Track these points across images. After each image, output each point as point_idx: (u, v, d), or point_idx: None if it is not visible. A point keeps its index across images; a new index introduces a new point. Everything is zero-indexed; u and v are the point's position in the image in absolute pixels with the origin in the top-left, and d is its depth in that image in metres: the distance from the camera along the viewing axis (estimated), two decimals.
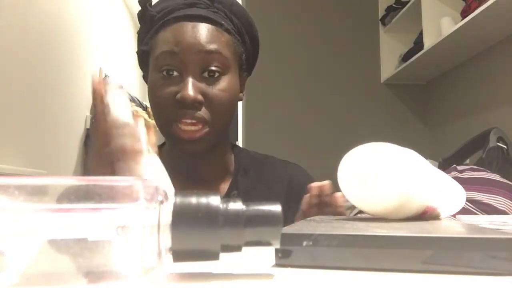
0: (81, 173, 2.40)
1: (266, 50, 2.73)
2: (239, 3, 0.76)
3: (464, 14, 1.92)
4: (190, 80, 0.66)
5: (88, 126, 2.51)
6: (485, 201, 0.84)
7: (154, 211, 0.22)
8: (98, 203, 0.21)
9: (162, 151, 0.79)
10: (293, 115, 2.65)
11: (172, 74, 0.67)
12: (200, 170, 0.76)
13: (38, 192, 0.22)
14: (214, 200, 0.23)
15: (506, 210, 0.84)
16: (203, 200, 0.23)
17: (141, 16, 0.73)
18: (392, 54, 2.67)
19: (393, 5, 2.63)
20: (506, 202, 0.85)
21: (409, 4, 2.37)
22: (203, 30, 0.68)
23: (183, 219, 0.23)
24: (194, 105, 0.65)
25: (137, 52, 0.77)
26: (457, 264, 0.26)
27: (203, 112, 0.66)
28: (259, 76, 2.72)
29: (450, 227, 0.38)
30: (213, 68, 0.67)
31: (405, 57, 2.50)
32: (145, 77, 0.76)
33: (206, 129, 0.67)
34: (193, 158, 0.74)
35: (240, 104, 2.80)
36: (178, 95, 0.65)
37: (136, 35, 0.77)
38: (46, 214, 0.21)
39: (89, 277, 0.21)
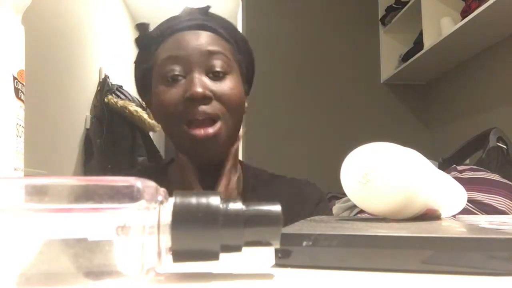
0: (82, 173, 2.40)
1: (266, 50, 2.73)
2: (229, 21, 0.77)
3: (464, 14, 1.92)
4: (197, 77, 0.66)
5: (88, 126, 2.51)
6: (485, 201, 0.84)
7: (154, 211, 0.22)
8: (98, 203, 0.21)
9: (170, 168, 0.78)
10: (293, 116, 2.65)
11: (178, 79, 0.67)
12: (208, 187, 0.72)
13: (38, 192, 0.22)
14: (214, 200, 0.23)
15: (506, 210, 0.84)
16: (203, 200, 0.23)
17: (140, 40, 0.74)
18: (392, 54, 2.67)
19: (393, 5, 2.63)
20: (506, 202, 0.85)
21: (409, 4, 2.37)
22: (204, 35, 0.70)
23: (183, 219, 0.23)
24: (204, 101, 0.65)
25: (136, 78, 0.77)
26: (457, 264, 0.26)
27: (214, 108, 0.66)
28: (259, 76, 2.72)
29: (450, 227, 0.38)
30: (217, 69, 0.68)
31: (405, 57, 2.50)
32: (148, 100, 0.76)
33: (219, 124, 0.66)
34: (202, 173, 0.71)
35: None
36: (187, 93, 0.65)
37: (134, 64, 0.78)
38: (46, 214, 0.21)
39: (89, 277, 0.21)
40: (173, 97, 0.66)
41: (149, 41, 0.73)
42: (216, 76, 0.68)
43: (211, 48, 0.68)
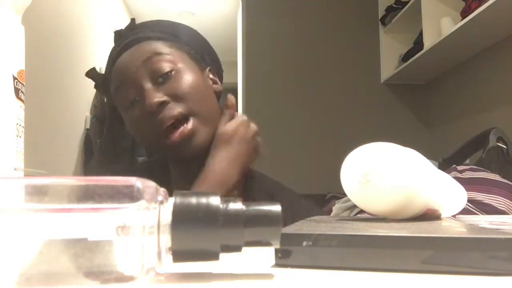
0: (82, 173, 2.40)
1: (266, 50, 2.73)
2: (160, 20, 0.77)
3: (464, 14, 1.92)
4: (146, 90, 0.66)
5: (88, 126, 2.51)
6: (485, 201, 0.84)
7: (154, 211, 0.22)
8: (98, 203, 0.21)
9: (170, 167, 0.79)
10: (293, 115, 2.65)
11: (134, 101, 0.68)
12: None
13: (38, 192, 0.22)
14: (214, 200, 0.23)
15: (506, 210, 0.84)
16: (203, 200, 0.23)
17: (96, 86, 0.78)
18: (392, 54, 2.67)
19: (393, 5, 2.63)
20: (506, 202, 0.85)
21: (409, 4, 2.37)
22: (137, 48, 0.69)
23: (183, 219, 0.23)
24: (163, 106, 0.65)
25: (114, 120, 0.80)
26: (457, 264, 0.26)
27: (177, 108, 0.66)
28: (259, 76, 2.72)
29: (450, 227, 0.38)
30: (162, 71, 0.67)
31: (405, 57, 2.50)
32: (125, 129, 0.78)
33: (191, 120, 0.66)
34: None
35: (240, 104, 2.80)
36: (145, 110, 0.65)
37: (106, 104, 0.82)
38: (46, 214, 0.21)
39: (89, 277, 0.21)
40: (138, 119, 0.68)
41: (102, 82, 0.75)
42: (165, 77, 0.67)
43: (146, 55, 0.68)
